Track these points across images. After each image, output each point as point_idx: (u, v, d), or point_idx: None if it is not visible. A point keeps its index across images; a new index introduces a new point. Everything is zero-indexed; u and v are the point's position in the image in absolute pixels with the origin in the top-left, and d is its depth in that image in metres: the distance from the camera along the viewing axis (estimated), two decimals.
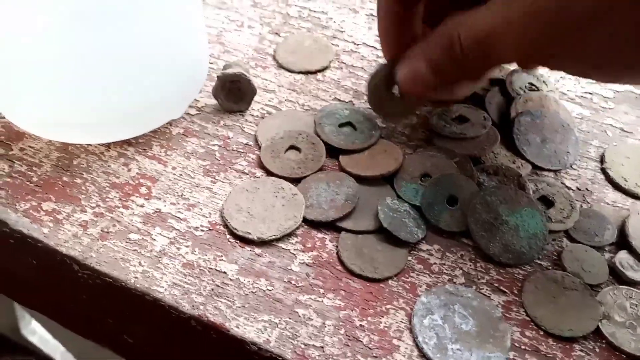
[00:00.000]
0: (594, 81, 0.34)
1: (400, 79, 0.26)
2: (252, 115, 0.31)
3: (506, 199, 0.26)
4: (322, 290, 0.24)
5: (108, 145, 0.29)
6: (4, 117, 0.30)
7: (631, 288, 0.24)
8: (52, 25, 0.24)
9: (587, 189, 0.29)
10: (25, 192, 0.27)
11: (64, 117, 0.28)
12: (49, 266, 0.26)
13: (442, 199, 0.26)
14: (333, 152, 0.29)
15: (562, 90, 0.34)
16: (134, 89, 0.28)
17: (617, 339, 0.23)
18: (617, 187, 0.29)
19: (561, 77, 0.35)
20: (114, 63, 0.26)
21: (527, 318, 0.24)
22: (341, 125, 0.30)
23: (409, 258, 0.25)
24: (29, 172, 0.28)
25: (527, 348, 0.23)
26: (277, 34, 0.37)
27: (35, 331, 0.61)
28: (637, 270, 0.25)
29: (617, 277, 0.25)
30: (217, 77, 0.31)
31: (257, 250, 0.25)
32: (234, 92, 0.31)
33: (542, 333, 0.23)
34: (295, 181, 0.28)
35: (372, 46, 0.36)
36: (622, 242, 0.26)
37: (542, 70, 0.35)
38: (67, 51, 0.25)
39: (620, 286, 0.24)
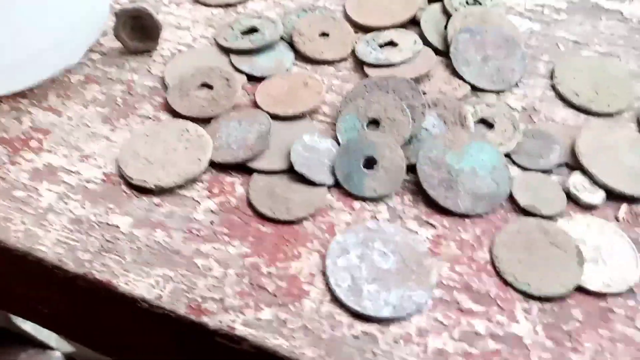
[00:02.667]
0: None
1: None
2: (162, 56, 0.28)
3: (448, 144, 0.23)
4: (227, 238, 0.21)
5: None
6: None
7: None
8: None
9: (534, 108, 0.26)
10: None
11: None
12: None
13: (357, 165, 0.23)
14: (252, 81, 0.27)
15: (509, 4, 0.30)
16: (22, 33, 0.25)
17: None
18: (567, 103, 0.26)
19: None
20: (3, 5, 0.23)
21: (460, 253, 0.21)
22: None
23: (329, 196, 0.23)
24: None
25: (456, 285, 0.20)
26: None
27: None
28: (593, 192, 0.22)
29: (574, 202, 0.22)
30: (115, 13, 0.27)
31: (156, 200, 0.22)
32: (137, 30, 0.28)
33: (482, 272, 0.20)
34: (206, 121, 0.25)
35: None
36: (574, 163, 0.23)
37: None
38: None
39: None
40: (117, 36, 0.28)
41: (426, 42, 0.28)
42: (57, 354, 0.62)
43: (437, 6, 0.30)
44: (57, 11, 0.25)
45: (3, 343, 0.61)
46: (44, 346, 0.61)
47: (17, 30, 0.25)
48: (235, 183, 0.23)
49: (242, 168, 0.23)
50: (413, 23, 0.29)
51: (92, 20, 0.28)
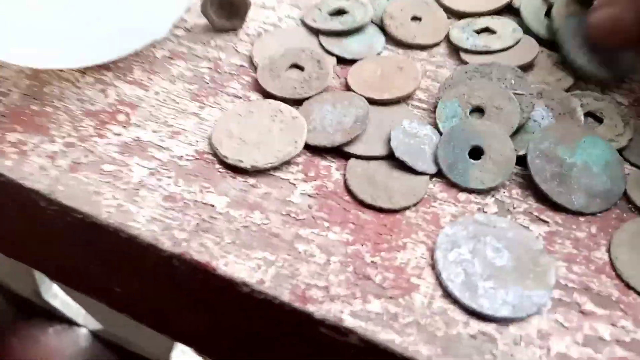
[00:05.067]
0: None
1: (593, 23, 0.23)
2: (247, 35, 0.27)
3: (559, 137, 0.22)
4: (326, 224, 0.20)
5: (83, 71, 0.26)
6: None
7: None
8: None
9: None
10: None
11: (34, 40, 0.25)
12: (17, 204, 0.23)
13: (462, 154, 0.21)
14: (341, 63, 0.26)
15: None
16: (110, 6, 0.24)
17: None
18: None
19: None
20: None
21: (576, 252, 0.19)
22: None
23: (431, 185, 0.21)
24: None
25: (575, 285, 0.19)
26: None
27: (57, 295, 0.60)
28: None
29: None
30: None
31: (251, 181, 0.22)
32: (225, 8, 0.27)
33: (602, 273, 0.19)
34: (298, 103, 0.24)
35: None
36: None
37: None
38: None
39: None
40: (205, 13, 0.27)
41: (526, 31, 0.27)
42: (84, 330, 0.62)
43: None
44: None
45: (32, 317, 0.61)
46: (71, 322, 0.61)
47: (102, 2, 0.24)
48: (331, 167, 0.22)
49: (338, 152, 0.22)
50: (509, 10, 0.28)
51: None
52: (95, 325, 0.60)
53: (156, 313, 0.25)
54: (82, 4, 0.24)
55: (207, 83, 0.25)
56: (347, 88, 0.25)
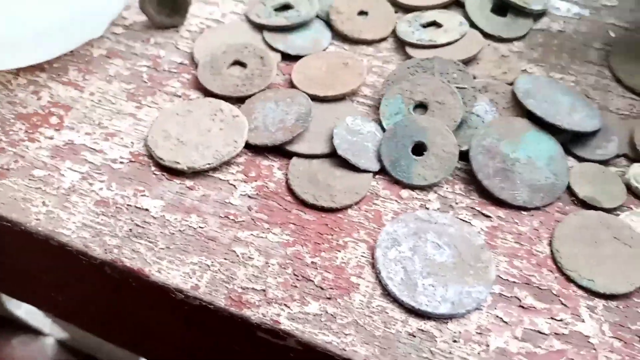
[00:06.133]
0: None
1: None
2: (189, 31, 0.27)
3: (502, 132, 0.21)
4: (267, 225, 0.20)
5: (17, 72, 0.25)
6: None
7: None
8: None
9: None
10: None
11: None
12: None
13: (405, 151, 0.21)
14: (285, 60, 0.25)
15: None
16: (44, 4, 0.23)
17: None
18: (627, 88, 0.24)
19: None
20: None
21: (517, 246, 0.19)
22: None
23: (373, 183, 0.21)
24: None
25: (516, 280, 0.19)
26: None
27: (20, 304, 0.58)
28: None
29: (634, 195, 0.21)
30: None
31: (189, 183, 0.21)
32: (165, 4, 0.26)
33: (543, 267, 0.19)
34: (240, 101, 0.23)
35: None
36: (633, 155, 0.22)
37: None
38: None
39: None
40: (144, 9, 0.26)
41: (472, 25, 0.26)
42: (51, 339, 0.60)
43: None
44: None
45: None
46: (37, 332, 0.60)
47: (35, 0, 0.23)
48: (272, 167, 0.22)
49: (280, 151, 0.22)
50: (456, 4, 0.28)
51: None
52: (62, 334, 0.58)
53: (101, 321, 0.24)
54: (13, 2, 0.23)
55: (145, 82, 0.24)
56: (292, 85, 0.24)
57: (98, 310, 0.22)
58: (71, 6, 0.24)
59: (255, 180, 0.21)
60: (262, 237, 0.19)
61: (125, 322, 0.22)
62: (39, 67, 0.25)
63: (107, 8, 0.26)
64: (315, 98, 0.23)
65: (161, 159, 0.21)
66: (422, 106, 0.23)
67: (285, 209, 0.20)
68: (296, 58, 0.25)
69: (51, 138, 0.22)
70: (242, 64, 0.25)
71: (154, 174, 0.21)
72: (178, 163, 0.21)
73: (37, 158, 0.21)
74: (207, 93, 0.24)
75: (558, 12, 0.28)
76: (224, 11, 0.27)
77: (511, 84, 0.24)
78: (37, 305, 0.26)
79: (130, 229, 0.19)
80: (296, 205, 0.20)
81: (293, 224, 0.20)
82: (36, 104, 0.23)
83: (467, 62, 0.25)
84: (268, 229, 0.20)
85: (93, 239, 0.19)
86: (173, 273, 0.18)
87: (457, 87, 0.23)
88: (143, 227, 0.19)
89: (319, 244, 0.19)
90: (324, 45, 0.26)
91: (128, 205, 0.20)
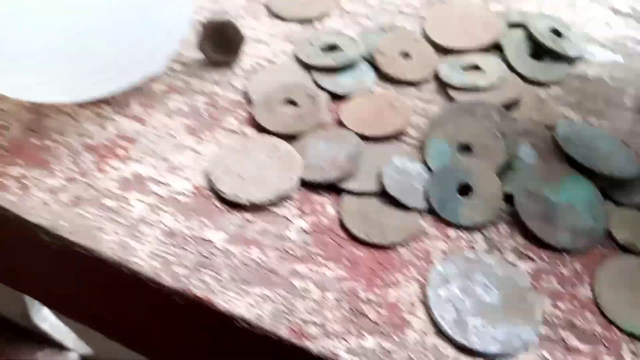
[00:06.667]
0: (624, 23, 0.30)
1: None
2: (243, 69, 0.28)
3: (543, 176, 0.23)
4: (322, 260, 0.21)
5: (82, 105, 0.26)
6: None
7: None
8: None
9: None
10: None
11: (33, 74, 0.25)
12: (19, 237, 0.23)
13: (452, 192, 0.22)
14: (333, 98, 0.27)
15: (591, 35, 0.30)
16: (109, 42, 0.25)
17: None
18: None
19: (589, 21, 0.31)
20: (86, 13, 0.23)
21: (561, 288, 0.20)
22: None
23: (422, 222, 0.22)
24: None
25: (560, 322, 0.20)
26: None
27: (46, 318, 0.60)
28: None
29: None
30: (202, 25, 0.27)
31: (248, 216, 0.22)
32: (220, 42, 0.28)
33: (586, 310, 0.20)
34: (292, 138, 0.25)
35: None
36: None
37: (567, 14, 0.31)
38: (33, 4, 0.22)
39: None
40: (201, 47, 0.28)
41: (510, 68, 0.28)
42: (74, 355, 0.61)
43: (519, 32, 0.29)
44: (140, 20, 0.25)
45: (21, 341, 0.61)
46: (61, 346, 0.61)
47: (101, 38, 0.25)
48: (325, 203, 0.23)
49: (332, 188, 0.23)
50: (494, 48, 0.29)
51: (175, 31, 0.28)
52: (85, 349, 0.59)
53: (153, 343, 0.25)
54: (80, 39, 0.24)
55: (204, 118, 0.26)
56: (340, 123, 0.26)
57: (161, 336, 0.23)
58: (134, 44, 0.26)
59: (310, 215, 0.22)
60: (318, 271, 0.21)
61: (184, 349, 0.23)
62: (103, 101, 0.26)
63: (166, 46, 0.28)
64: (363, 137, 0.25)
65: (223, 192, 0.23)
66: (466, 148, 0.24)
67: (339, 244, 0.22)
68: (343, 97, 0.27)
69: (118, 170, 0.24)
70: (294, 103, 0.26)
71: (216, 206, 0.22)
72: (239, 197, 0.22)
73: (106, 188, 0.23)
74: (262, 130, 0.25)
75: (593, 58, 0.29)
76: (274, 50, 0.29)
77: (550, 127, 0.25)
78: (97, 327, 0.27)
79: (197, 260, 0.21)
80: (349, 241, 0.22)
81: (347, 259, 0.21)
82: (103, 135, 0.25)
83: (507, 105, 0.26)
84: (323, 263, 0.21)
85: (163, 268, 0.20)
86: (238, 303, 0.20)
87: (499, 131, 0.24)
88: (208, 258, 0.21)
89: (372, 280, 0.20)
90: (369, 86, 0.27)
91: (194, 236, 0.21)
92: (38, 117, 0.26)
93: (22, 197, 0.23)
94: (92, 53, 0.25)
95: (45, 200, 0.22)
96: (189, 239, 0.21)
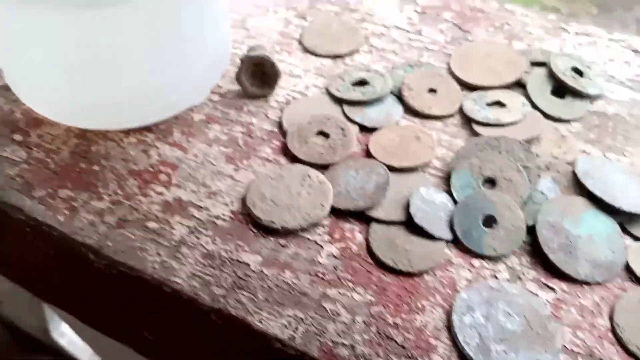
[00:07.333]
0: None
1: None
2: (277, 101, 0.30)
3: (564, 210, 0.24)
4: (351, 285, 0.22)
5: (127, 132, 0.28)
6: (23, 103, 0.29)
7: None
8: (67, 9, 0.23)
9: None
10: (42, 179, 0.26)
11: (82, 102, 0.27)
12: (65, 255, 0.25)
13: (476, 223, 0.23)
14: (362, 130, 0.28)
15: (610, 73, 0.31)
16: (154, 73, 0.27)
17: None
18: None
19: (610, 60, 0.32)
20: (133, 47, 0.25)
21: (580, 318, 0.21)
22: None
23: (447, 251, 0.23)
24: (47, 159, 0.27)
25: (580, 351, 0.20)
26: (303, 17, 0.35)
27: (64, 333, 0.61)
28: None
29: None
30: (241, 60, 0.29)
31: (282, 241, 0.24)
32: (257, 76, 0.30)
33: (604, 340, 0.21)
34: (323, 168, 0.26)
35: (404, 29, 0.34)
36: None
37: (588, 53, 0.32)
38: (85, 36, 0.24)
39: None
40: (239, 80, 0.30)
41: (533, 105, 0.29)
42: None
43: (541, 70, 0.31)
44: (189, 53, 0.27)
45: (37, 356, 0.62)
46: None
47: (147, 69, 0.27)
48: (354, 230, 0.24)
49: (361, 216, 0.24)
50: (517, 85, 0.30)
51: (217, 64, 0.30)
52: None
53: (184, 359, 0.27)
54: (128, 70, 0.26)
55: (241, 147, 0.27)
56: (368, 154, 0.27)
57: (195, 354, 0.25)
58: (178, 75, 0.28)
59: (339, 242, 0.24)
60: (347, 295, 0.22)
61: None
62: (146, 128, 0.28)
63: (208, 78, 0.30)
64: (390, 168, 0.26)
65: (259, 218, 0.24)
66: (490, 181, 0.25)
67: (368, 270, 0.23)
68: (372, 129, 0.28)
69: (161, 194, 0.25)
70: (326, 134, 0.28)
71: (252, 231, 0.24)
72: (273, 223, 0.24)
73: (150, 211, 0.25)
74: (295, 159, 0.27)
75: (612, 95, 0.30)
76: (306, 84, 0.31)
77: (571, 163, 0.26)
78: (131, 343, 0.29)
79: (234, 281, 0.22)
80: (377, 268, 0.23)
81: (375, 284, 0.22)
82: (146, 161, 0.27)
83: (529, 140, 0.27)
84: (352, 288, 0.22)
85: (202, 288, 0.22)
86: (272, 323, 0.21)
87: (522, 166, 0.25)
88: (245, 280, 0.22)
89: (399, 305, 0.22)
90: (396, 119, 0.29)
91: (231, 258, 0.23)
92: (86, 143, 0.28)
93: (71, 217, 0.24)
94: (138, 83, 0.27)
95: (93, 221, 0.24)
96: (226, 261, 0.23)
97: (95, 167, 0.27)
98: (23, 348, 0.63)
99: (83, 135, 0.28)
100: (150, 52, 0.26)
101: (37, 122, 0.29)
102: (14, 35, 0.24)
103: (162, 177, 0.26)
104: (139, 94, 0.27)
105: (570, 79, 0.30)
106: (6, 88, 0.30)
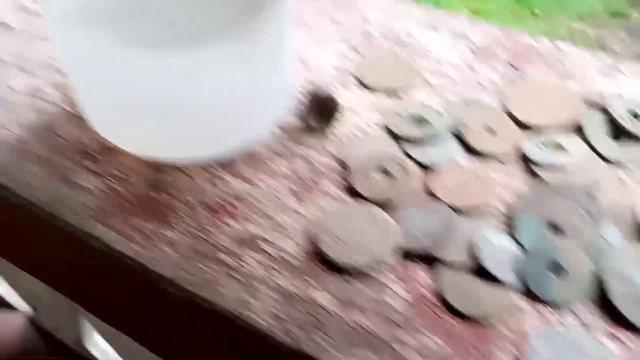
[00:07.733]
0: None
1: None
2: (337, 136, 0.31)
3: (631, 258, 0.24)
4: (420, 327, 0.23)
5: (196, 163, 0.29)
6: (93, 131, 0.30)
7: None
8: (155, 53, 0.24)
9: None
10: (115, 208, 0.27)
11: (157, 135, 0.28)
12: (138, 285, 0.26)
13: (545, 270, 0.24)
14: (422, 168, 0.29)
15: None
16: (227, 110, 0.28)
17: None
18: None
19: None
20: (210, 87, 0.26)
21: None
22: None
23: (514, 297, 0.24)
24: (119, 188, 0.28)
25: None
26: (357, 52, 0.36)
27: (98, 344, 0.62)
28: None
29: None
30: (306, 96, 0.30)
31: (349, 279, 0.24)
32: (319, 111, 0.31)
33: None
34: (385, 204, 0.27)
35: (458, 65, 0.35)
36: None
37: None
38: (167, 76, 0.25)
39: None
40: (301, 116, 0.30)
41: (591, 148, 0.29)
42: None
43: (598, 112, 0.31)
44: (251, 90, 0.28)
45: None
46: None
47: (221, 106, 0.28)
48: (419, 270, 0.25)
49: (426, 256, 0.25)
50: (573, 125, 0.31)
51: (282, 99, 0.31)
52: None
53: None
54: (202, 107, 0.27)
55: (303, 181, 0.28)
56: (430, 193, 0.28)
57: None
58: (244, 110, 0.29)
59: (405, 282, 0.24)
60: (417, 338, 0.22)
61: None
62: (214, 160, 0.29)
63: (272, 112, 0.30)
64: (452, 208, 0.27)
65: (327, 255, 0.25)
66: (555, 227, 0.25)
67: (436, 314, 0.23)
68: (430, 167, 0.29)
69: (231, 226, 0.26)
70: (386, 171, 0.28)
71: (320, 267, 0.24)
72: (341, 260, 0.24)
73: (220, 243, 0.25)
74: (357, 195, 0.27)
75: None
76: (363, 118, 0.31)
77: (630, 207, 0.27)
78: None
79: (306, 319, 0.23)
80: (445, 311, 0.23)
81: (444, 328, 0.23)
82: (215, 193, 0.28)
83: (589, 185, 0.27)
84: (422, 331, 0.22)
85: (275, 324, 0.22)
86: None
87: (586, 212, 0.26)
88: (316, 318, 0.23)
89: (468, 350, 0.22)
90: (455, 157, 0.29)
91: (302, 295, 0.23)
92: (156, 173, 0.29)
93: (145, 247, 0.25)
94: (211, 119, 0.28)
95: (166, 251, 0.25)
96: (296, 297, 0.23)
97: (166, 197, 0.27)
98: (57, 357, 0.64)
99: (154, 165, 0.29)
100: (225, 91, 0.27)
101: (107, 150, 0.30)
102: (98, 72, 0.26)
103: (230, 209, 0.27)
104: (211, 129, 0.28)
105: (628, 123, 0.30)
106: (77, 117, 0.31)
